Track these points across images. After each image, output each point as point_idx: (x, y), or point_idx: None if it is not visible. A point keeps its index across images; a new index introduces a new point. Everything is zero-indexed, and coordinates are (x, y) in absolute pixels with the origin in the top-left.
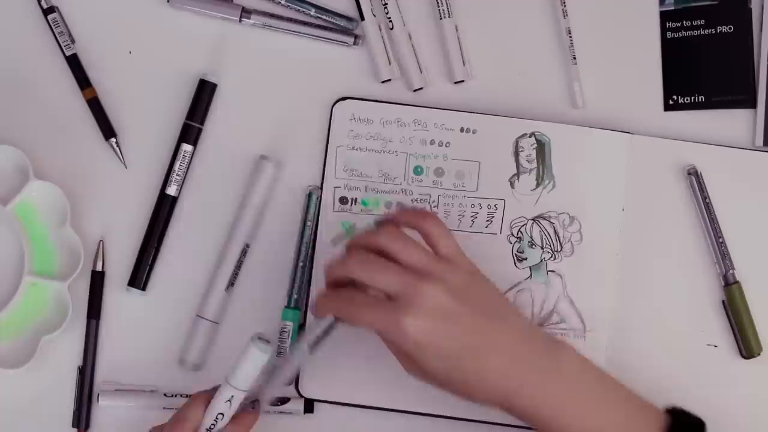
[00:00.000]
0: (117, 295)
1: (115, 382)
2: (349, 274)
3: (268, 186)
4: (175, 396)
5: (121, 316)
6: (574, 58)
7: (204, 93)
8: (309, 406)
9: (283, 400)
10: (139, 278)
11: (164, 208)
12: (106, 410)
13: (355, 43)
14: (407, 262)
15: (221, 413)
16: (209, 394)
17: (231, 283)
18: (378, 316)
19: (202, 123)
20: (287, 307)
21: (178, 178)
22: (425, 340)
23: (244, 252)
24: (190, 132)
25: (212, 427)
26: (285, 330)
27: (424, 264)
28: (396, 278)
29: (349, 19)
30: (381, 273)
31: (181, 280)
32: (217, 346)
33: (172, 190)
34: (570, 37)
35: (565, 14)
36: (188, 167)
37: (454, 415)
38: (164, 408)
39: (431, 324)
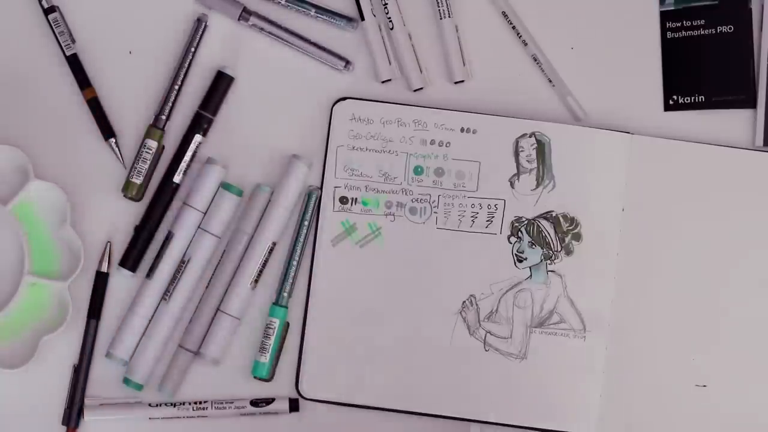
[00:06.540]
0: (116, 295)
1: (98, 397)
2: None
3: (301, 185)
4: (159, 406)
5: (119, 315)
6: (550, 81)
7: (220, 85)
8: (294, 405)
9: (269, 401)
10: (131, 260)
11: (165, 195)
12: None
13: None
14: None
15: None
16: None
17: (256, 280)
18: None
19: (214, 114)
20: (275, 304)
21: (184, 166)
22: None
23: (270, 250)
24: (202, 121)
25: None
26: (270, 327)
27: None
28: None
29: (349, 19)
30: None
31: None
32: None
33: (177, 178)
34: (540, 64)
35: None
36: (193, 157)
37: (454, 415)
38: (150, 418)
39: None
